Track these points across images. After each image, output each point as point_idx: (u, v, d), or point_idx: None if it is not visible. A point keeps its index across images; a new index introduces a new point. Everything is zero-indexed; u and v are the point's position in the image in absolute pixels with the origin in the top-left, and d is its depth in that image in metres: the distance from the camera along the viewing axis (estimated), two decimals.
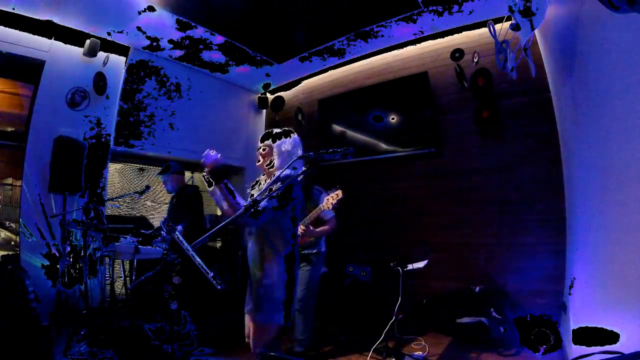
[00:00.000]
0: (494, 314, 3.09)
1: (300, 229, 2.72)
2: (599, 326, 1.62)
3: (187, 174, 5.11)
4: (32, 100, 3.72)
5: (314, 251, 2.90)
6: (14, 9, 3.34)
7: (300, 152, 1.94)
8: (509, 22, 2.46)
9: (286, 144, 1.93)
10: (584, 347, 1.68)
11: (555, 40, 2.68)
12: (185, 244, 1.48)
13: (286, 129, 2.01)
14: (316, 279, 2.94)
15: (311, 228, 2.77)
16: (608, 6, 0.97)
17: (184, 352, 3.08)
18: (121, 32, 3.99)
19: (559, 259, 3.15)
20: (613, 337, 1.37)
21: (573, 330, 2.04)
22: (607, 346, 1.39)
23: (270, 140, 1.96)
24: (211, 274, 1.48)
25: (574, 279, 2.27)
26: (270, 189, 1.62)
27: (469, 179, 3.86)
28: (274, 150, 1.93)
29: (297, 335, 2.90)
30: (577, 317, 2.21)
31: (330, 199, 2.63)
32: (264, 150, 1.97)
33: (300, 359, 2.89)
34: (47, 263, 3.57)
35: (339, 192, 2.65)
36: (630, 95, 1.36)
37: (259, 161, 1.99)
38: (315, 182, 3.01)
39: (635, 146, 1.33)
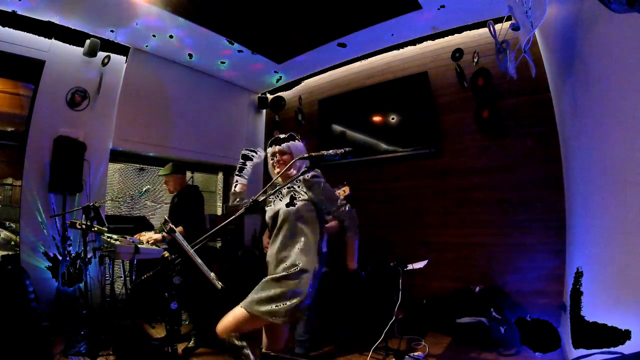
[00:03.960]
0: (494, 314, 3.09)
1: None
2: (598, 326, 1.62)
3: (187, 174, 5.12)
4: (32, 100, 3.72)
5: None
6: (14, 11, 3.34)
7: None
8: (509, 22, 2.46)
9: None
10: (584, 347, 1.68)
11: (555, 40, 2.68)
12: (186, 244, 1.48)
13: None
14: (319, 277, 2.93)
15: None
16: (608, 6, 0.97)
17: (183, 352, 3.08)
18: (122, 32, 3.99)
19: (559, 259, 3.15)
20: (622, 336, 1.36)
21: (573, 330, 2.04)
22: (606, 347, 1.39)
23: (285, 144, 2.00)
24: (212, 274, 1.48)
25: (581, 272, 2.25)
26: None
27: (469, 179, 3.86)
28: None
29: (298, 336, 2.88)
30: (577, 317, 2.20)
31: None
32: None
33: (299, 359, 2.89)
34: (48, 263, 3.57)
35: (346, 188, 2.60)
36: (630, 95, 1.36)
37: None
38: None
39: (635, 146, 1.33)
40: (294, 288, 1.70)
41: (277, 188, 1.82)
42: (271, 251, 1.87)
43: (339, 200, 1.88)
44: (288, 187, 1.90)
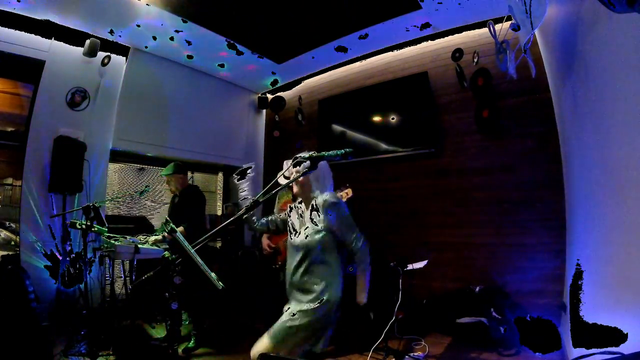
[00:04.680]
0: (494, 314, 3.09)
1: None
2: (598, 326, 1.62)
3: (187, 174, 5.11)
4: (32, 100, 3.72)
5: None
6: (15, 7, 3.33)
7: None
8: (509, 22, 2.46)
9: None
10: (584, 347, 1.68)
11: (555, 40, 2.68)
12: (186, 244, 1.48)
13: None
14: None
15: None
16: (608, 6, 0.97)
17: (184, 352, 3.08)
18: (121, 32, 3.99)
19: (559, 259, 3.15)
20: (619, 337, 1.36)
21: (573, 330, 2.04)
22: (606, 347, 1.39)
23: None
24: (212, 274, 1.48)
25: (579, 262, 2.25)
26: None
27: (469, 179, 3.86)
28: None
29: None
30: (577, 318, 2.20)
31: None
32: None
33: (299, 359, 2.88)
34: (47, 263, 3.57)
35: (349, 191, 2.60)
36: (630, 95, 1.36)
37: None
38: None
39: (635, 146, 1.34)
40: (320, 319, 1.77)
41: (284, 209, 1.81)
42: (294, 277, 1.88)
43: (355, 233, 1.86)
44: (309, 214, 1.89)
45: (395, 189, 4.41)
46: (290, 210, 2.04)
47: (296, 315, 1.78)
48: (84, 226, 2.86)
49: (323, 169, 1.93)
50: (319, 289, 1.79)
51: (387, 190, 4.46)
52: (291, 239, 1.94)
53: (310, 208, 1.89)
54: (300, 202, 2.00)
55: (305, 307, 1.78)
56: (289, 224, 2.00)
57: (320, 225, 1.83)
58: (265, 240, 3.06)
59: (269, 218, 2.14)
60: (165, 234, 3.06)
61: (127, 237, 3.21)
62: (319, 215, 1.85)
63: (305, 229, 1.87)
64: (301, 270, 1.85)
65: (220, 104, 5.43)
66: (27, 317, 2.60)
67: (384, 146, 4.55)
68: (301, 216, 1.95)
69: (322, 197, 1.86)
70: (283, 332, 1.77)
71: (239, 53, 4.52)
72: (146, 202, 4.88)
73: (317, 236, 1.82)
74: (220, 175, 5.97)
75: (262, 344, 1.78)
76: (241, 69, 5.03)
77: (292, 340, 1.76)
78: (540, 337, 2.78)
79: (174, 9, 3.60)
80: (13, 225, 3.88)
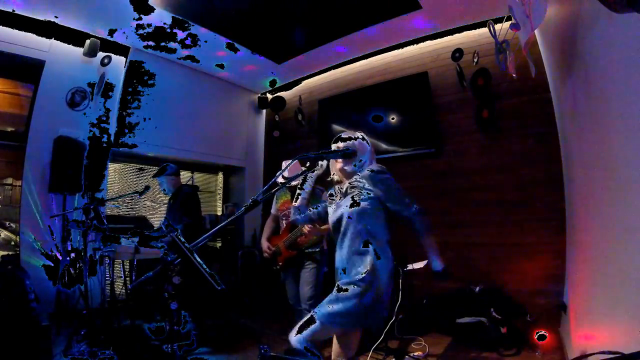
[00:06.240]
0: (494, 314, 3.09)
1: (307, 227, 2.66)
2: (598, 327, 1.62)
3: (187, 174, 5.11)
4: (32, 100, 3.72)
5: (317, 249, 2.89)
6: (13, 10, 3.35)
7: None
8: (509, 22, 2.46)
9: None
10: (583, 347, 1.68)
11: (555, 40, 2.68)
12: (186, 244, 1.48)
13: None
14: (321, 277, 2.92)
15: (317, 225, 2.74)
16: (608, 6, 0.97)
17: (183, 352, 3.08)
18: (121, 32, 3.99)
19: (559, 259, 3.15)
20: (619, 337, 1.36)
21: (573, 330, 2.04)
22: (606, 347, 1.38)
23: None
24: (212, 274, 1.48)
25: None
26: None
27: (469, 179, 3.86)
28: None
29: None
30: (577, 317, 2.21)
31: None
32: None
33: (300, 359, 2.88)
34: (47, 263, 3.57)
35: None
36: (630, 95, 1.36)
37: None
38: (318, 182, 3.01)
39: (635, 146, 1.33)
40: (367, 293, 1.63)
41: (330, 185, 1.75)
42: (340, 256, 1.80)
43: (406, 200, 1.78)
44: (350, 187, 1.82)
45: None
46: (331, 196, 1.99)
47: (343, 287, 1.65)
48: (84, 227, 2.86)
49: (364, 147, 1.89)
50: (364, 262, 1.68)
51: None
52: (334, 210, 1.86)
53: (350, 184, 1.82)
54: (340, 184, 1.92)
55: (353, 278, 1.66)
56: (331, 204, 1.91)
57: (364, 193, 1.74)
58: (264, 243, 3.06)
59: (311, 210, 2.07)
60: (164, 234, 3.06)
61: (127, 236, 3.21)
62: (365, 186, 1.77)
63: (348, 198, 1.79)
64: (345, 247, 1.76)
65: (220, 104, 5.43)
66: (27, 317, 2.60)
67: (384, 146, 4.55)
68: (341, 191, 1.88)
69: (366, 170, 1.80)
70: (330, 305, 1.63)
71: (235, 50, 4.50)
72: (146, 202, 4.88)
73: (358, 207, 1.72)
74: (220, 175, 5.97)
75: (308, 322, 1.64)
76: (241, 69, 5.03)
77: (342, 319, 1.61)
78: (540, 337, 2.78)
79: (175, 9, 3.60)
80: (13, 225, 3.88)
